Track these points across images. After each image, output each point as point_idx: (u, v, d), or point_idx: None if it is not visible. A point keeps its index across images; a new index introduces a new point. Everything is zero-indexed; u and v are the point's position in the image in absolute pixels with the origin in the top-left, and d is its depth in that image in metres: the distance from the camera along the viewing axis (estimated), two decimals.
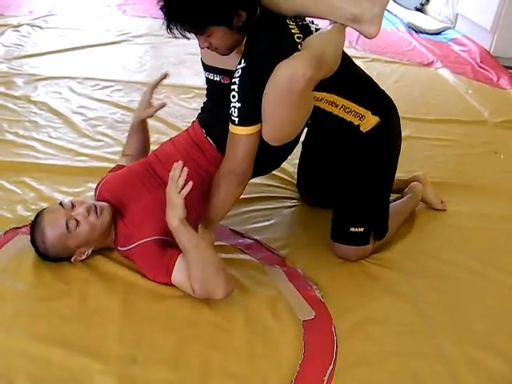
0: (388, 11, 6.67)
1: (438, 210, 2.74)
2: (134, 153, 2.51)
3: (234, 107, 1.97)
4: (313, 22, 2.14)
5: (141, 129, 2.53)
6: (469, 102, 4.20)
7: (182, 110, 3.56)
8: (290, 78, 1.83)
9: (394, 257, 2.40)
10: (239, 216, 2.42)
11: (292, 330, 1.98)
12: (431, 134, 3.60)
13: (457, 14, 6.05)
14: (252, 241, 2.41)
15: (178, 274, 2.02)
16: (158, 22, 5.26)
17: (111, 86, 3.81)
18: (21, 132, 3.12)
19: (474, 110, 4.07)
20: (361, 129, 2.22)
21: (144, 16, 5.53)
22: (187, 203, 1.97)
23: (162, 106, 2.46)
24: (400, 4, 6.88)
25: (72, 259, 2.13)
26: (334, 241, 2.36)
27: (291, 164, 2.82)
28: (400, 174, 2.81)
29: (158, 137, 3.09)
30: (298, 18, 2.07)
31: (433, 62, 5.06)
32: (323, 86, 2.00)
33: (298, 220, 2.57)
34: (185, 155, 2.22)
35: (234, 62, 2.00)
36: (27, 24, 4.90)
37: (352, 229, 2.30)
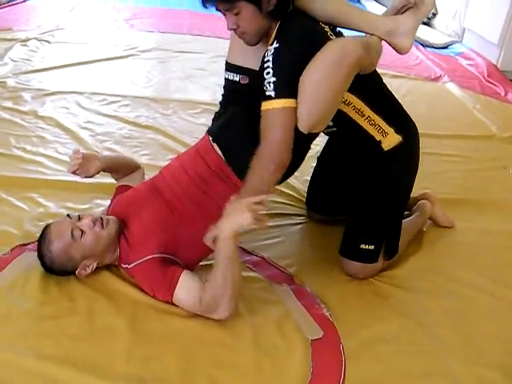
0: None
1: (445, 227, 2.72)
2: (123, 176, 2.50)
3: (269, 82, 1.96)
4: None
5: (112, 165, 2.48)
6: (476, 117, 4.20)
7: (189, 126, 3.56)
8: (341, 51, 1.89)
9: (403, 275, 2.39)
10: (247, 233, 2.40)
11: (300, 350, 1.96)
12: (439, 149, 3.59)
13: (464, 28, 6.05)
14: (260, 258, 2.39)
15: (181, 291, 2.01)
16: (165, 37, 5.35)
17: (118, 101, 3.82)
18: (28, 147, 3.12)
19: (481, 125, 4.07)
20: (382, 146, 2.24)
21: (151, 31, 5.56)
22: (192, 223, 2.06)
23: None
24: None
25: (76, 272, 2.12)
26: (342, 256, 2.35)
27: (300, 181, 2.81)
28: None
29: (165, 153, 3.10)
30: (331, 25, 2.12)
31: (440, 76, 5.07)
32: (355, 88, 2.05)
33: (306, 237, 2.56)
34: (191, 173, 2.20)
35: (258, 62, 2.03)
36: (35, 38, 4.93)
37: (363, 246, 2.29)
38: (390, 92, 2.35)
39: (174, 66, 4.64)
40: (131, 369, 1.83)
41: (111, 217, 2.19)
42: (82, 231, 2.08)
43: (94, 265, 2.15)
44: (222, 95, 2.37)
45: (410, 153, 2.32)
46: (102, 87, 4.03)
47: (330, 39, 2.02)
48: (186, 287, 2.01)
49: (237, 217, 1.87)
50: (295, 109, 1.95)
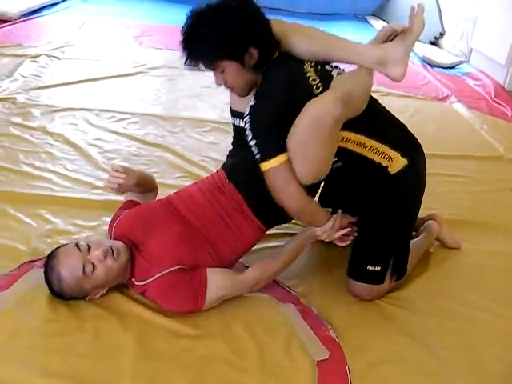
0: None
1: (452, 248, 2.72)
2: (143, 193, 2.49)
3: (252, 146, 2.00)
4: (337, 67, 2.19)
5: (144, 181, 2.48)
6: (484, 138, 4.21)
7: (197, 144, 3.58)
8: (318, 116, 1.88)
9: (410, 296, 2.39)
10: (254, 253, 2.40)
11: (306, 370, 1.96)
12: (446, 170, 3.59)
13: (471, 49, 6.08)
14: None
15: (213, 291, 2.10)
16: (174, 54, 5.37)
17: (127, 119, 3.83)
18: (37, 164, 3.14)
19: (488, 146, 4.07)
20: (389, 170, 2.24)
21: (160, 48, 5.59)
22: (210, 241, 2.15)
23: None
24: None
25: (87, 298, 2.13)
26: (349, 277, 2.35)
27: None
28: None
29: (173, 171, 3.11)
30: (319, 63, 2.12)
31: (447, 96, 5.08)
32: (350, 126, 2.06)
33: (313, 258, 2.56)
34: (209, 196, 2.26)
35: None
36: (45, 54, 4.96)
37: (370, 267, 2.29)
38: (391, 115, 2.34)
39: (182, 83, 4.66)
40: None
41: (120, 244, 2.15)
42: (94, 265, 2.05)
43: (105, 291, 2.15)
44: (233, 137, 2.44)
45: (416, 174, 2.32)
46: (111, 104, 4.05)
47: (313, 93, 2.01)
48: (217, 281, 2.10)
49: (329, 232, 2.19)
50: (287, 160, 1.98)
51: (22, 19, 6.04)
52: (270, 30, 2.06)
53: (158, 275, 2.09)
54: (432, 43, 6.77)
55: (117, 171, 2.30)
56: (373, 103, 2.21)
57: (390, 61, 2.07)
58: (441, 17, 6.79)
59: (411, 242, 2.54)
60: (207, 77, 4.71)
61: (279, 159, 1.97)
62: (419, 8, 2.08)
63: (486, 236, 2.89)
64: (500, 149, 4.00)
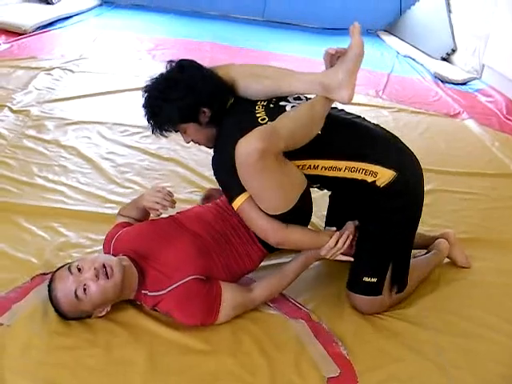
0: (414, 60, 6.74)
1: (464, 267, 2.72)
2: (132, 218, 2.46)
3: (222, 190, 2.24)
4: (299, 98, 2.29)
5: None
6: (495, 155, 4.20)
7: (209, 159, 3.54)
8: (243, 153, 1.97)
9: (419, 313, 2.39)
10: (264, 269, 2.41)
11: None
12: (457, 187, 3.59)
13: (483, 65, 6.08)
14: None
15: (225, 308, 2.14)
16: None
17: (140, 132, 3.84)
18: (50, 176, 3.16)
19: (500, 163, 4.07)
20: (377, 184, 2.23)
21: None
22: (222, 260, 2.20)
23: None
24: (426, 53, 6.94)
25: (92, 317, 2.12)
26: (348, 290, 2.37)
27: (317, 216, 2.82)
28: (425, 227, 2.83)
29: (185, 186, 3.14)
30: (272, 100, 2.25)
31: (459, 112, 5.08)
32: (313, 153, 2.17)
33: (324, 273, 2.57)
34: (216, 214, 2.33)
35: None
36: (59, 67, 4.98)
37: (366, 278, 2.30)
38: (367, 130, 2.33)
39: None
40: None
41: (114, 260, 2.10)
42: (86, 288, 2.01)
43: (109, 308, 2.13)
44: None
45: (407, 185, 2.29)
46: (124, 118, 4.07)
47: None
48: (230, 298, 2.15)
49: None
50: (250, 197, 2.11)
51: (36, 32, 6.08)
52: (218, 86, 2.22)
53: (179, 283, 2.10)
54: (444, 59, 6.79)
55: (170, 198, 2.29)
56: (341, 125, 2.28)
57: (333, 86, 2.12)
58: (453, 33, 6.81)
59: (419, 258, 2.56)
60: None
61: (242, 197, 2.11)
62: (355, 29, 2.14)
63: (497, 254, 2.88)
64: (511, 166, 4.00)
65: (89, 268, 2.04)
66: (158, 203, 2.26)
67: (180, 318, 2.12)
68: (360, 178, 2.22)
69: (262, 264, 2.41)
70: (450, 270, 2.70)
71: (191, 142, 2.34)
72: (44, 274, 2.35)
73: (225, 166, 2.11)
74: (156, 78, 2.25)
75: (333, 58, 2.17)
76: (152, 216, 2.37)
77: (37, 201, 2.90)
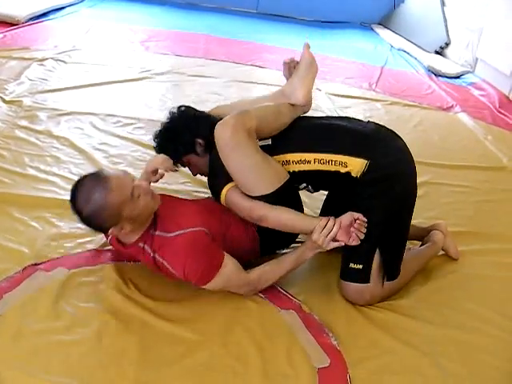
0: (408, 54, 6.75)
1: (453, 259, 2.73)
2: None
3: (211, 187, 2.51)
4: None
5: None
6: (487, 148, 4.22)
7: None
8: (219, 130, 2.25)
9: (412, 305, 2.39)
10: (258, 260, 2.41)
11: (307, 378, 1.96)
12: (450, 180, 3.60)
13: (476, 59, 6.09)
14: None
15: (222, 277, 2.17)
16: (180, 60, 5.41)
17: (133, 124, 3.84)
18: (42, 167, 3.14)
19: (492, 156, 4.08)
20: (353, 175, 2.32)
21: (167, 53, 5.61)
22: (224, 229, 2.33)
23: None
24: (420, 47, 6.94)
25: (110, 231, 2.11)
26: (340, 278, 2.39)
27: (311, 208, 2.82)
28: (419, 220, 2.83)
29: (178, 176, 3.12)
30: None
31: (452, 106, 5.10)
32: (282, 148, 2.38)
33: (315, 265, 2.56)
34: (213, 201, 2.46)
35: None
36: (52, 58, 4.96)
37: (351, 265, 2.33)
38: (337, 125, 2.48)
39: (188, 89, 4.68)
40: None
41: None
42: (139, 194, 2.11)
43: (128, 229, 2.14)
44: None
45: (383, 173, 2.33)
46: (117, 109, 4.06)
47: None
48: (229, 269, 2.18)
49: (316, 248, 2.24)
50: (235, 185, 2.32)
51: (29, 23, 6.06)
52: (209, 121, 2.49)
53: (190, 229, 2.15)
54: (437, 53, 6.80)
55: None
56: (305, 122, 2.54)
57: (290, 91, 2.59)
58: (446, 27, 6.82)
59: (414, 249, 2.58)
60: (214, 83, 4.79)
61: (226, 188, 2.33)
62: (305, 45, 2.63)
63: (489, 246, 2.89)
64: (504, 159, 4.01)
65: (140, 181, 2.22)
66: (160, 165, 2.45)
67: (179, 270, 2.13)
68: (333, 170, 2.33)
69: None
70: (442, 262, 2.70)
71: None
72: (35, 264, 2.34)
73: (214, 177, 2.45)
74: (163, 123, 2.60)
75: (290, 68, 2.66)
76: (153, 182, 2.47)
77: (29, 191, 2.88)
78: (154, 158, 2.52)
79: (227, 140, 2.22)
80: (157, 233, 2.19)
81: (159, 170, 2.42)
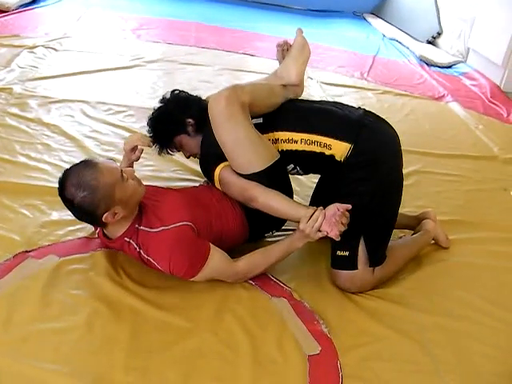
0: (400, 43, 6.74)
1: (443, 247, 2.74)
2: None
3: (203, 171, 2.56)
4: None
5: None
6: (478, 138, 4.23)
7: None
8: (213, 102, 2.29)
9: (402, 293, 2.40)
10: (247, 247, 2.42)
11: (297, 365, 1.98)
12: (440, 168, 3.61)
13: (468, 49, 6.09)
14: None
15: (209, 267, 2.18)
16: (171, 48, 5.38)
17: (124, 111, 3.83)
18: (33, 154, 3.13)
19: (483, 146, 4.09)
20: (337, 159, 2.35)
21: (158, 41, 5.58)
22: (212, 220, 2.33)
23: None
24: (412, 36, 6.93)
25: (104, 216, 2.08)
26: (331, 266, 2.40)
27: (301, 196, 2.83)
28: (409, 208, 2.85)
29: (169, 164, 3.11)
30: None
31: (443, 95, 5.10)
32: (272, 126, 2.40)
33: (307, 252, 2.56)
34: (202, 188, 2.50)
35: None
36: (42, 46, 4.92)
37: (338, 252, 2.35)
38: (325, 109, 2.52)
39: (179, 77, 4.66)
40: (130, 379, 1.84)
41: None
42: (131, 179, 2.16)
43: (121, 214, 2.13)
44: None
45: (366, 157, 2.34)
46: (108, 97, 4.04)
47: None
48: (216, 260, 2.19)
49: (305, 237, 2.21)
50: (228, 165, 2.36)
51: (19, 10, 5.99)
52: (200, 103, 2.56)
53: (173, 225, 2.14)
54: (429, 42, 6.78)
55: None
56: (296, 103, 2.57)
57: (283, 71, 2.65)
58: (439, 16, 6.80)
59: (405, 238, 2.59)
60: (205, 71, 4.78)
61: (219, 167, 2.37)
62: (298, 30, 2.69)
63: (479, 235, 2.90)
64: (494, 149, 4.02)
65: (126, 167, 2.30)
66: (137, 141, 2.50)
67: (165, 265, 2.14)
68: (318, 151, 2.36)
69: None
70: (432, 250, 2.72)
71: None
72: (26, 251, 2.34)
73: (207, 157, 2.46)
74: (155, 108, 2.61)
75: (283, 51, 2.72)
76: (134, 160, 2.55)
77: (19, 179, 2.87)
78: (130, 136, 2.59)
79: (222, 109, 2.24)
80: (141, 227, 2.19)
81: (138, 147, 2.49)
